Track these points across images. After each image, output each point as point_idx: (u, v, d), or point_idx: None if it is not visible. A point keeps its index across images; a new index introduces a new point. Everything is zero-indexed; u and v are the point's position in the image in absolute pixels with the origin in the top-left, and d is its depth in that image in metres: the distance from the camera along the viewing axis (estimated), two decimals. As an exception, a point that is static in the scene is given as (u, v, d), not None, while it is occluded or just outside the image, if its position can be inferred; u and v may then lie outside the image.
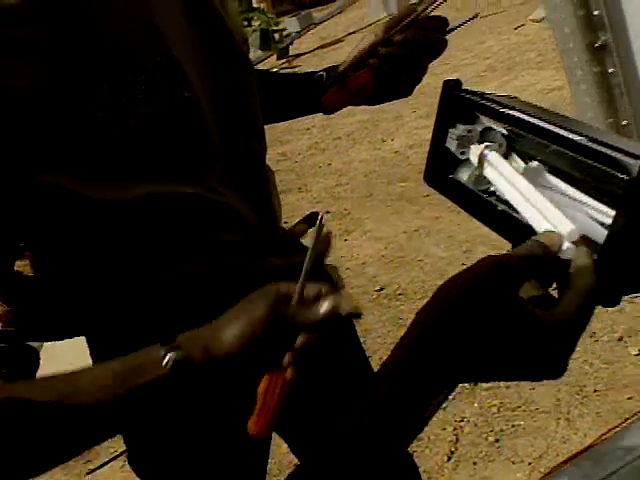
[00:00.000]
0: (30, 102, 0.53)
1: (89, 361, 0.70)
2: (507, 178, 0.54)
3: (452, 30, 0.73)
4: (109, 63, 0.55)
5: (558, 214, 0.46)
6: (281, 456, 1.70)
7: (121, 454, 1.94)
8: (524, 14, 5.59)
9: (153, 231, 0.63)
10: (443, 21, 0.73)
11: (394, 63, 0.74)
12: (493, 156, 0.56)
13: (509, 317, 0.38)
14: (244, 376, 0.51)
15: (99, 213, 0.60)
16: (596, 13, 0.97)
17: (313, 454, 0.38)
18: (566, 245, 0.43)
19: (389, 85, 0.76)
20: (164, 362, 0.48)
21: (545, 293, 0.43)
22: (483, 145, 0.57)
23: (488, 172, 0.57)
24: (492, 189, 0.56)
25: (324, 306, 0.49)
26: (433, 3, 0.71)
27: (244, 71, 0.70)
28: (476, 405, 1.86)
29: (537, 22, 5.16)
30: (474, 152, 0.58)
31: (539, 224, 0.47)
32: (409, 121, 4.22)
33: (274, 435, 0.86)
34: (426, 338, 0.38)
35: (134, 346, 0.50)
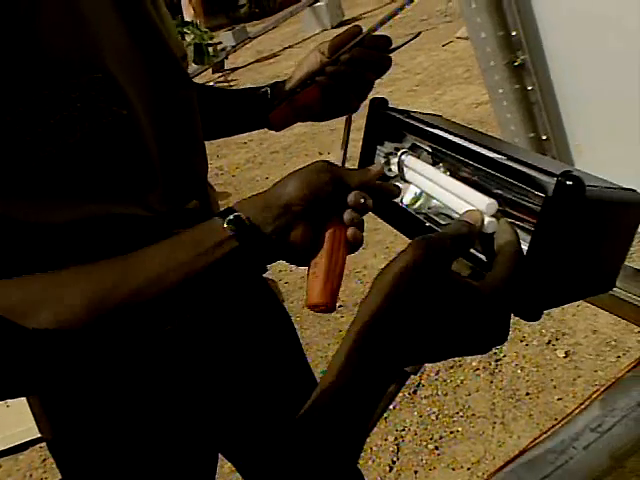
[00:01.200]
0: None
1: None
2: (424, 174, 0.56)
3: (396, 49, 0.75)
4: (40, 78, 0.52)
5: (474, 193, 0.48)
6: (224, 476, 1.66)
7: None
8: (452, 31, 5.81)
9: (91, 255, 0.60)
10: (387, 40, 0.75)
11: (341, 80, 0.75)
12: (410, 160, 0.58)
13: (450, 293, 0.39)
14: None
15: (34, 237, 0.56)
16: (514, 34, 1.02)
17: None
18: (487, 220, 0.45)
19: (336, 102, 0.78)
20: (224, 225, 0.48)
21: (472, 266, 0.46)
22: (399, 152, 0.59)
23: (409, 176, 0.58)
24: (418, 205, 0.57)
25: (373, 168, 0.55)
26: (381, 25, 0.73)
27: (185, 88, 0.69)
28: (416, 413, 1.89)
29: (464, 39, 5.38)
30: (394, 162, 0.59)
31: (460, 206, 0.49)
32: (345, 134, 4.27)
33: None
34: (375, 328, 0.39)
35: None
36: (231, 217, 0.48)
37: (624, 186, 0.45)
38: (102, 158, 0.57)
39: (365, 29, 0.75)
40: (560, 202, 0.39)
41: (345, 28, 0.76)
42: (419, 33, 0.85)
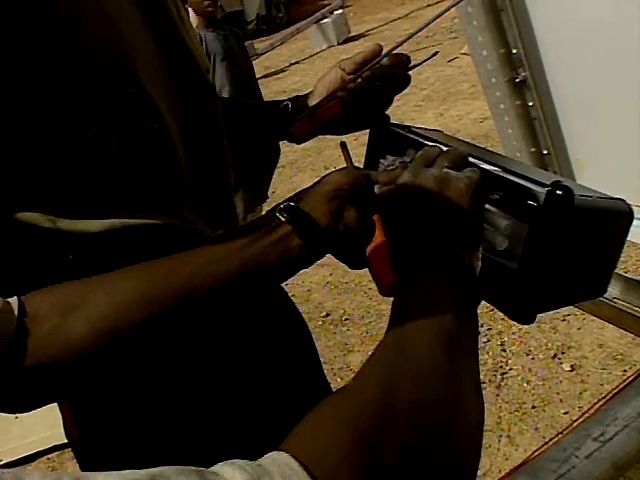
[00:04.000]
0: None
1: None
2: None
3: (414, 67, 0.78)
4: (79, 92, 0.54)
5: None
6: None
7: None
8: (457, 47, 5.87)
9: (124, 264, 0.62)
10: (407, 58, 0.79)
11: (362, 96, 0.79)
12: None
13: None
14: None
15: (69, 247, 0.58)
16: (515, 51, 1.05)
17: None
18: None
19: (356, 116, 0.81)
20: (277, 214, 0.50)
21: None
22: (396, 160, 0.61)
23: None
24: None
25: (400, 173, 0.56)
26: (400, 45, 0.76)
27: (211, 101, 0.72)
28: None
29: (469, 55, 5.43)
30: (386, 166, 0.62)
31: None
32: (351, 149, 4.31)
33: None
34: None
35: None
36: (281, 206, 0.51)
37: (614, 196, 0.47)
38: (134, 169, 0.59)
39: (382, 47, 0.78)
40: (551, 210, 0.41)
41: (361, 45, 0.79)
42: (437, 52, 0.88)
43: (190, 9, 2.82)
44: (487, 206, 0.51)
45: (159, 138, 0.60)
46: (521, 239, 0.46)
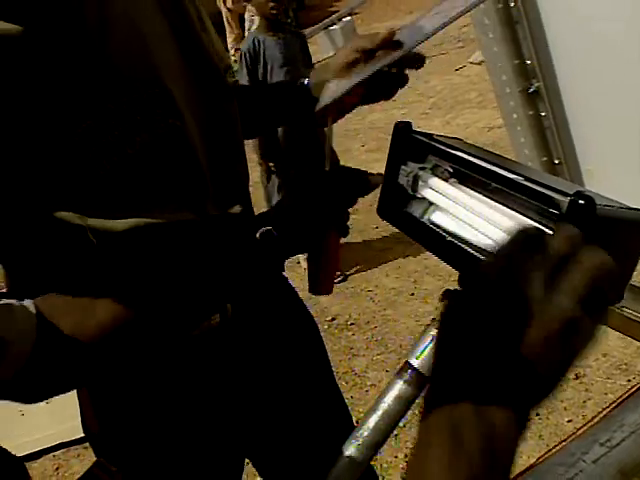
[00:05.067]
0: (27, 135, 0.54)
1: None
2: (443, 192, 0.60)
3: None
4: (107, 93, 0.57)
5: (493, 213, 0.52)
6: None
7: None
8: (464, 56, 5.90)
9: (150, 262, 0.64)
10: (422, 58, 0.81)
11: (382, 77, 0.81)
12: (430, 178, 0.62)
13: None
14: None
15: (96, 245, 0.61)
16: (529, 62, 1.07)
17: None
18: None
19: (374, 93, 0.84)
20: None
21: None
22: (417, 166, 0.63)
23: (427, 193, 0.63)
24: (439, 221, 0.61)
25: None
26: (409, 50, 0.77)
27: (227, 101, 0.74)
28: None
29: (476, 64, 5.46)
30: (416, 180, 0.63)
31: (479, 224, 0.53)
32: (358, 155, 4.34)
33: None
34: None
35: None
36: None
37: (633, 206, 0.48)
38: (159, 167, 0.62)
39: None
40: (573, 219, 0.43)
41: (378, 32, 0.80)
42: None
43: (254, 9, 2.76)
44: (508, 209, 0.53)
45: (181, 136, 0.63)
46: None
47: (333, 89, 0.84)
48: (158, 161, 0.61)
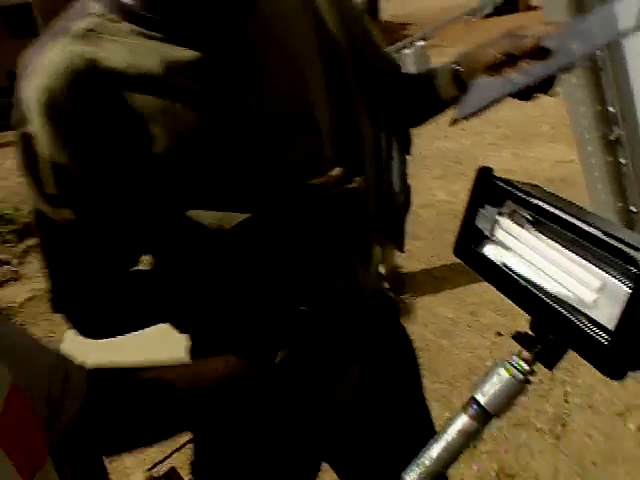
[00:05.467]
0: (192, 147, 0.63)
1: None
2: (519, 239, 0.62)
3: None
4: (264, 114, 0.66)
5: (572, 265, 0.54)
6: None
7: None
8: (539, 88, 5.79)
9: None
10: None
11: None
12: (507, 224, 0.64)
13: None
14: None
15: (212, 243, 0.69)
16: (611, 109, 1.07)
17: None
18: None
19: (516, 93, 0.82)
20: None
21: None
22: (495, 211, 0.65)
23: (502, 237, 0.65)
24: (514, 266, 0.63)
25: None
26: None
27: (362, 126, 0.81)
28: (475, 468, 1.87)
29: (551, 97, 5.35)
30: (485, 216, 0.66)
31: (558, 275, 0.55)
32: (424, 181, 4.34)
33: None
34: None
35: None
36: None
37: None
38: (299, 180, 0.69)
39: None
40: None
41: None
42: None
43: None
44: (584, 261, 0.54)
45: (319, 153, 0.72)
46: (617, 300, 0.49)
47: (484, 89, 0.82)
48: (303, 177, 0.68)
